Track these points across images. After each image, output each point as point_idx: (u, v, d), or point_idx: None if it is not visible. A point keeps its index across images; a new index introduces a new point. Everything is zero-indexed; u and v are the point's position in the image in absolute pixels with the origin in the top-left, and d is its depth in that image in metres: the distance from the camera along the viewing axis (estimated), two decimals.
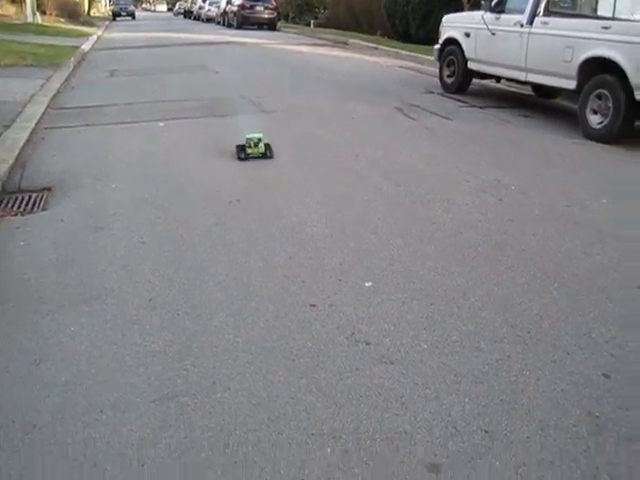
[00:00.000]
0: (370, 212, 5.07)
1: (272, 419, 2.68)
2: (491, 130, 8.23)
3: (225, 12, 34.79)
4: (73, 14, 36.41)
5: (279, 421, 2.67)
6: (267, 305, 3.57)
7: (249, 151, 6.18)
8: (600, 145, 7.40)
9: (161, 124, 8.05)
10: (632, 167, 6.79)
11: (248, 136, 6.20)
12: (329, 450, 2.52)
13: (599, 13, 8.85)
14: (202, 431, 2.61)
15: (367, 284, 3.84)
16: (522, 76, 9.05)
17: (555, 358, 3.17)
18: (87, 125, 7.98)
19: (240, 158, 6.18)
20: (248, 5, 30.61)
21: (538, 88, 10.13)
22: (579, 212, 5.19)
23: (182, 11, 59.29)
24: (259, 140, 6.20)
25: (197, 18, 46.54)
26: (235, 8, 31.86)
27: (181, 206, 5.12)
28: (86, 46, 18.34)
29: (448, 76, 10.96)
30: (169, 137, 7.47)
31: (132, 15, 51.15)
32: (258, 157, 6.23)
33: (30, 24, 25.10)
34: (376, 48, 17.97)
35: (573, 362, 3.13)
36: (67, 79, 11.84)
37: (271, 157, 6.28)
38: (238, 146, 6.30)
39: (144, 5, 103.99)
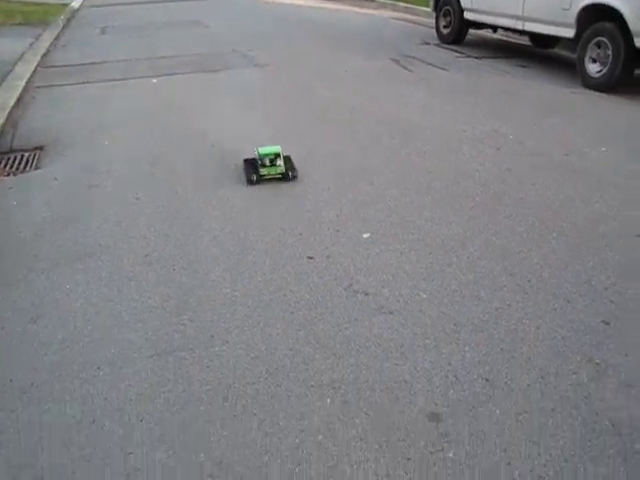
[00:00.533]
0: (366, 164, 5.01)
1: (270, 371, 2.67)
2: (488, 80, 8.10)
3: None
4: None
5: (277, 373, 2.66)
6: (264, 258, 3.54)
7: (263, 172, 4.54)
8: (599, 94, 7.29)
9: (154, 80, 7.94)
10: (631, 115, 6.70)
11: (261, 151, 4.53)
12: (329, 401, 2.50)
13: None
14: (200, 385, 2.59)
15: (365, 235, 3.81)
16: (519, 25, 8.88)
17: (555, 306, 3.15)
18: (79, 83, 7.86)
19: (251, 181, 4.54)
20: None
21: (536, 38, 9.97)
22: (577, 161, 5.12)
23: None
24: (276, 155, 4.54)
25: None
26: None
27: (176, 162, 5.05)
28: (76, 3, 17.97)
29: (444, 27, 10.78)
30: (163, 93, 7.37)
31: None
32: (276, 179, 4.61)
33: None
34: (373, 0, 17.65)
35: (573, 310, 3.11)
36: (57, 37, 11.63)
37: (294, 178, 4.64)
38: (247, 161, 4.74)
39: None
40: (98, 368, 2.70)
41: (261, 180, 4.51)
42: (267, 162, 4.51)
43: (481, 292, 3.26)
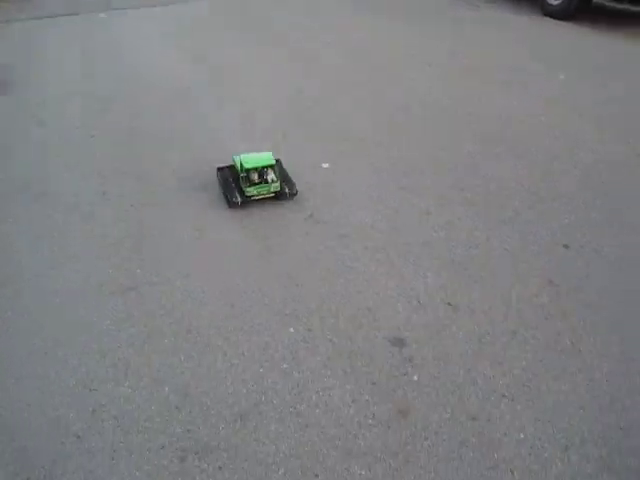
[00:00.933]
0: (313, 85, 4.95)
1: (234, 304, 2.65)
2: (457, 12, 7.99)
3: None
4: None
5: (241, 305, 2.64)
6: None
7: (251, 192, 3.36)
8: (556, 21, 7.25)
9: (102, 15, 7.66)
10: (572, 40, 6.68)
11: (246, 162, 3.36)
12: (292, 330, 2.50)
13: None
14: (163, 319, 2.57)
15: (324, 165, 3.79)
16: None
17: (504, 218, 3.23)
18: (20, 20, 7.55)
19: (234, 204, 3.33)
20: None
21: None
22: (527, 79, 5.17)
23: None
24: (267, 168, 3.39)
25: None
26: None
27: (131, 99, 4.92)
28: None
29: None
30: (113, 29, 7.12)
31: None
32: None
33: None
34: None
35: (524, 222, 3.16)
36: None
37: (292, 196, 3.43)
38: (223, 171, 3.60)
39: None
40: (59, 304, 2.65)
41: (249, 200, 3.38)
42: (255, 178, 3.36)
43: (431, 208, 3.31)
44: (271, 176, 3.35)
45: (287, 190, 3.39)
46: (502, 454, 2.01)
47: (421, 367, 2.34)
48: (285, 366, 2.33)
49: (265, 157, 3.38)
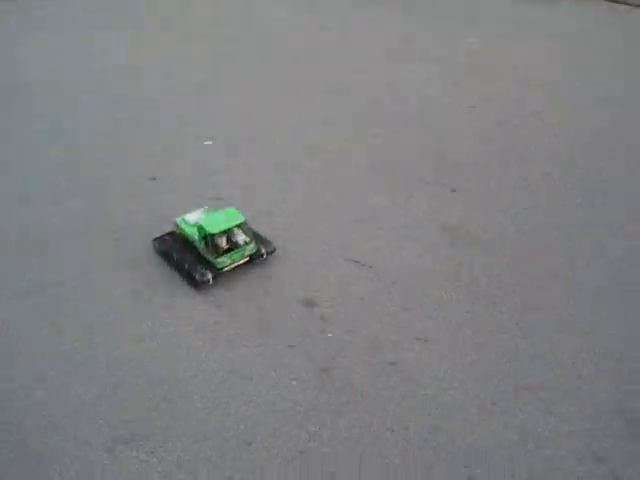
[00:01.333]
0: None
1: None
2: None
3: None
4: None
5: None
6: None
7: (223, 262, 2.64)
8: None
9: None
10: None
11: (208, 226, 2.62)
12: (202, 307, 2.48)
13: None
14: None
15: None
16: None
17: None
18: None
19: (202, 282, 2.59)
20: None
21: None
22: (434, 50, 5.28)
23: None
24: (236, 228, 2.70)
25: None
26: None
27: None
28: None
29: None
30: None
31: None
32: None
33: None
34: None
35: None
36: None
37: (269, 254, 2.77)
38: (165, 242, 2.84)
39: None
40: None
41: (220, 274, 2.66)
42: (223, 243, 2.65)
43: (336, 173, 3.34)
44: (242, 237, 2.68)
45: (264, 250, 2.74)
46: (424, 392, 2.09)
47: (334, 324, 2.38)
48: (199, 343, 2.30)
49: (230, 215, 2.68)
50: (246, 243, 2.67)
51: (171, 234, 2.84)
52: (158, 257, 2.78)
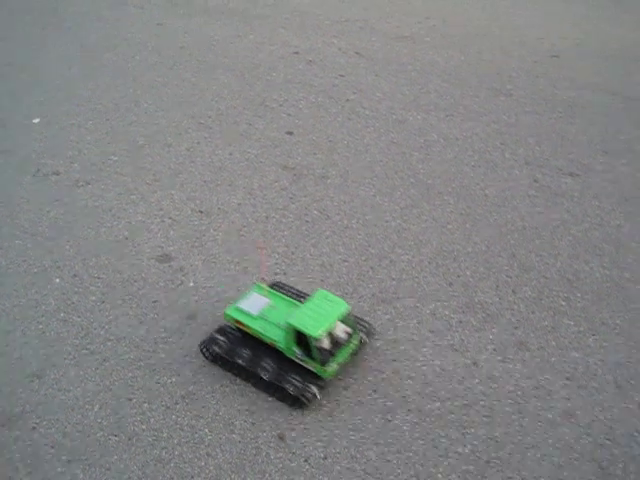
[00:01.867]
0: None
1: None
2: None
3: None
4: None
5: None
6: None
7: (331, 368, 1.95)
8: None
9: None
10: None
11: (310, 328, 1.89)
12: (58, 280, 2.45)
13: None
14: None
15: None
16: None
17: None
18: None
19: (308, 398, 1.94)
20: None
21: None
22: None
23: None
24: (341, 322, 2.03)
25: None
26: None
27: None
28: None
29: None
30: None
31: None
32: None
33: None
34: None
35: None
36: None
37: (368, 338, 2.17)
38: (214, 341, 2.10)
39: None
40: None
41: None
42: (326, 344, 1.97)
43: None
44: (342, 328, 2.02)
45: (366, 336, 2.14)
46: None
47: (193, 273, 2.44)
48: (62, 315, 2.29)
49: (324, 300, 1.99)
50: (349, 335, 2.02)
51: (221, 331, 2.12)
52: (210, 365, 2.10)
